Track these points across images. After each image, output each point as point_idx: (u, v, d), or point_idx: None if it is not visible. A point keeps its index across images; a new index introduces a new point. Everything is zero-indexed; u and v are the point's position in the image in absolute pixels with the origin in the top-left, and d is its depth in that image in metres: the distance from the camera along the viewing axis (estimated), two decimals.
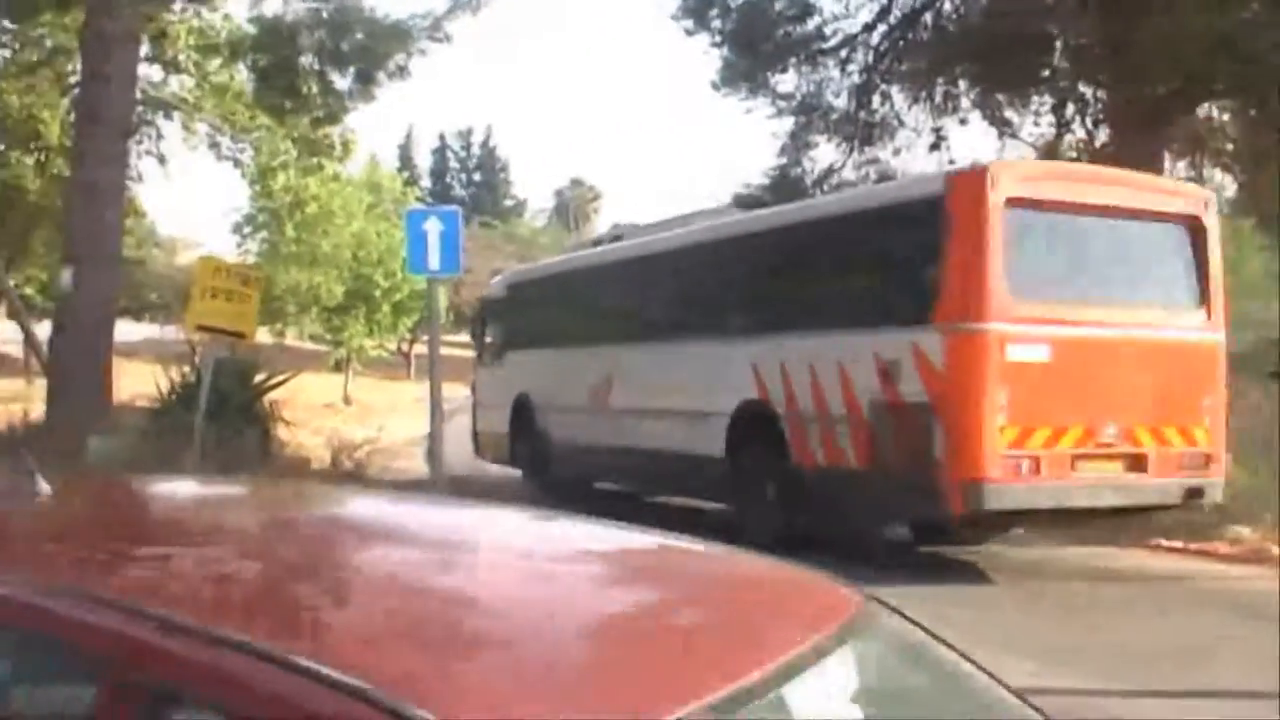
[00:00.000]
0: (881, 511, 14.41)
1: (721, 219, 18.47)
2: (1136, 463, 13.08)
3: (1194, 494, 13.60)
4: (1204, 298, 13.79)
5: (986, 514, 12.94)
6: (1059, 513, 13.45)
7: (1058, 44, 21.12)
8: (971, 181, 13.01)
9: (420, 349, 66.13)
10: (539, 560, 3.38)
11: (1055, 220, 13.18)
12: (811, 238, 15.37)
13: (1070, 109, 21.88)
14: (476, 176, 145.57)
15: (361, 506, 4.42)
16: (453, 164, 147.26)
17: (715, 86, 24.01)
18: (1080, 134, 22.01)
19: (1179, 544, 15.82)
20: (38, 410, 22.32)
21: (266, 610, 2.73)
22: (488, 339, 23.66)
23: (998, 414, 12.36)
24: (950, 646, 2.94)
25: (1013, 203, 12.63)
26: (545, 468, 20.24)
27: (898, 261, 13.84)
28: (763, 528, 14.11)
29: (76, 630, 2.57)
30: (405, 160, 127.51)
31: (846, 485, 13.90)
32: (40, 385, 27.65)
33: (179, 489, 4.79)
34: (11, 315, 33.17)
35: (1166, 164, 20.12)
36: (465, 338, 31.75)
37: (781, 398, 14.81)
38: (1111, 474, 13.03)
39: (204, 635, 2.39)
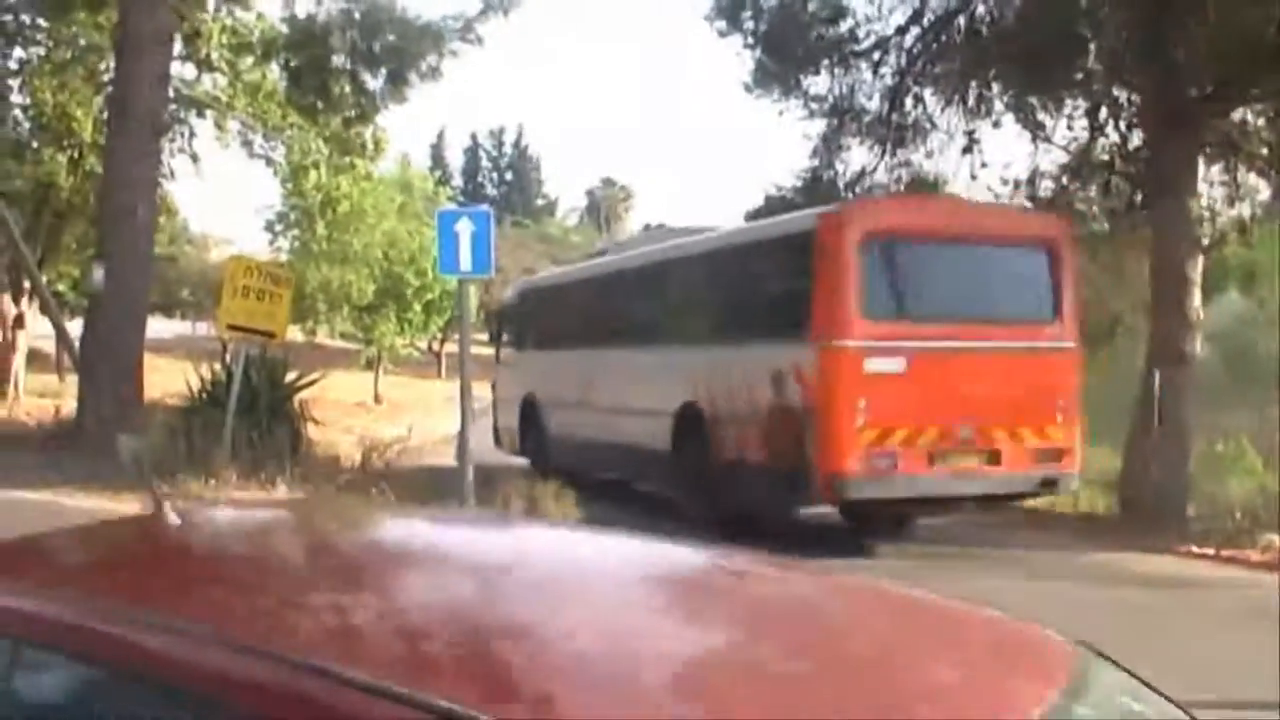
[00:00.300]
0: (775, 500, 16.21)
1: (671, 241, 20.80)
2: (992, 458, 15.21)
3: (1048, 484, 15.94)
4: (1058, 312, 15.90)
5: (860, 501, 15.77)
6: (928, 500, 15.68)
7: (1091, 47, 20.97)
8: (833, 220, 15.69)
9: (451, 348, 66.14)
10: (724, 604, 3.01)
11: (911, 250, 15.51)
12: (726, 262, 17.91)
13: (1104, 112, 21.73)
14: (508, 176, 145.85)
15: (506, 537, 4.07)
16: (485, 163, 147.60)
17: (748, 88, 23.94)
18: (1114, 137, 21.88)
19: (1210, 550, 15.79)
20: (69, 406, 22.41)
21: (439, 663, 2.43)
22: (504, 341, 26.24)
23: (858, 417, 14.64)
24: (1169, 699, 2.76)
25: (868, 238, 15.07)
26: (547, 458, 21.87)
27: (784, 286, 16.30)
28: (698, 512, 16.39)
29: (219, 683, 2.34)
30: (437, 159, 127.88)
31: (751, 476, 15.98)
32: (72, 382, 27.78)
33: (315, 519, 4.39)
34: (44, 311, 33.24)
35: (1200, 167, 20.01)
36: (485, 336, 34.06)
37: (706, 400, 17.09)
38: (968, 467, 15.16)
39: (364, 687, 2.16)
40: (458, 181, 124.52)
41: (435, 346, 66.08)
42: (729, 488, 16.37)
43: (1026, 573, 14.13)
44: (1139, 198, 21.05)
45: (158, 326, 32.56)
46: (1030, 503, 19.00)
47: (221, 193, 79.59)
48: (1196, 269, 19.11)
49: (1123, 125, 21.63)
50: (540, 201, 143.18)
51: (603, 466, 20.50)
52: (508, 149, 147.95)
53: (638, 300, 20.63)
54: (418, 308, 51.37)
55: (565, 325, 23.21)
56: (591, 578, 3.16)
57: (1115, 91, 21.47)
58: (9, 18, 28.76)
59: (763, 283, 16.87)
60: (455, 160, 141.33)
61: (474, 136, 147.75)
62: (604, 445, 20.11)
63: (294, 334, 35.09)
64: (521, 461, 23.08)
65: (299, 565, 3.36)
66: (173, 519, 3.32)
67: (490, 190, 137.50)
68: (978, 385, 15.02)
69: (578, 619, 2.66)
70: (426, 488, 16.64)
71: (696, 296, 18.47)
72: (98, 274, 20.22)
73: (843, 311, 14.82)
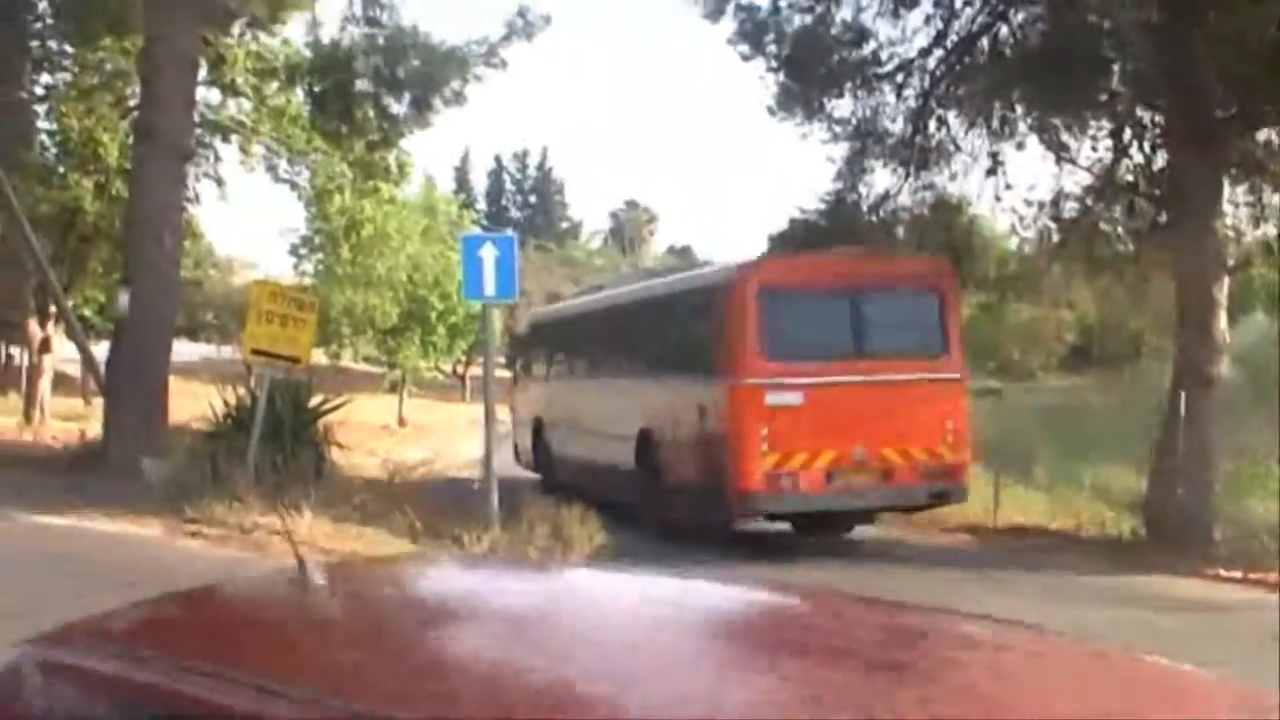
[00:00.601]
0: (706, 514, 18.53)
1: (631, 285, 25.18)
2: (886, 475, 17.59)
3: (939, 496, 18.26)
4: (945, 348, 18.28)
5: (769, 515, 18.68)
6: (830, 514, 18.54)
7: (1115, 68, 20.95)
8: (737, 275, 18.42)
9: (475, 371, 66.27)
10: (870, 657, 2.77)
11: (806, 299, 17.94)
12: (666, 306, 20.99)
13: (1128, 133, 21.68)
14: (532, 199, 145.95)
15: (654, 593, 3.55)
16: (509, 186, 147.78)
17: (771, 111, 23.85)
18: (1138, 158, 21.82)
19: (1237, 573, 15.73)
20: (94, 429, 22.47)
21: None
22: (519, 367, 29.01)
23: (761, 444, 17.06)
24: None
25: (765, 291, 17.56)
26: (554, 475, 24.48)
27: (703, 331, 18.77)
28: (653, 523, 18.80)
29: None
30: (461, 182, 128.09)
31: (687, 493, 18.55)
32: (98, 405, 27.87)
33: (472, 576, 3.98)
34: (70, 335, 33.34)
35: (1225, 188, 19.96)
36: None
37: (656, 427, 19.61)
38: (863, 484, 17.53)
39: None
40: (482, 204, 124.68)
41: (459, 370, 66.14)
42: (673, 503, 18.89)
43: (1050, 595, 14.11)
44: (1163, 218, 20.99)
45: (183, 350, 32.60)
46: (1055, 524, 19.22)
47: (246, 216, 79.93)
48: (1222, 290, 19.05)
49: (1147, 146, 21.58)
50: (564, 224, 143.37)
51: (591, 483, 21.69)
52: (532, 172, 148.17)
53: (610, 336, 23.44)
54: (442, 331, 51.52)
55: (562, 355, 26.30)
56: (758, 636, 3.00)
57: (1139, 112, 21.44)
58: (37, 44, 28.90)
59: (689, 326, 19.54)
60: (479, 183, 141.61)
61: (498, 159, 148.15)
62: (591, 464, 22.40)
63: (318, 357, 35.11)
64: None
65: (465, 631, 3.02)
66: (317, 579, 3.12)
67: (514, 213, 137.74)
68: (870, 413, 17.39)
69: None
70: (451, 510, 16.64)
71: (647, 335, 21.28)
72: (123, 298, 20.26)
73: (745, 354, 17.35)
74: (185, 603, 3.28)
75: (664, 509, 19.03)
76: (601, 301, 25.18)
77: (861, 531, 19.81)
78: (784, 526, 19.64)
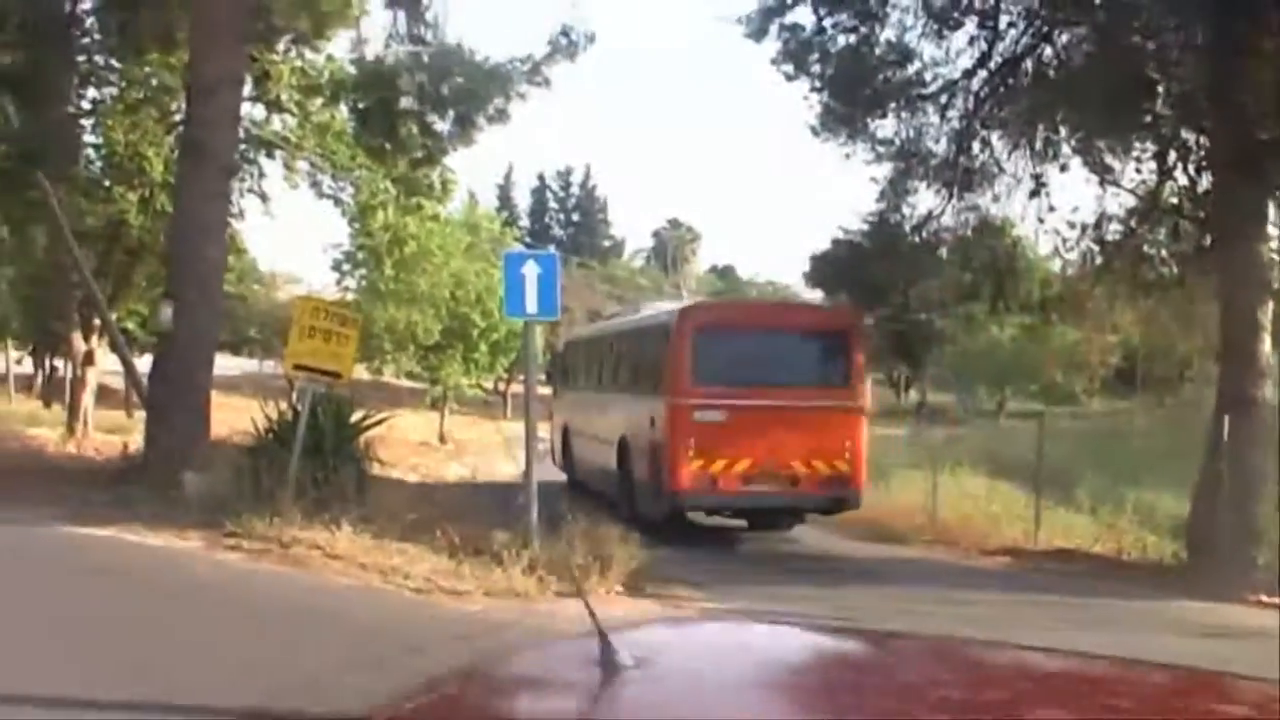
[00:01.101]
0: (656, 509, 21.64)
1: (621, 318, 30.49)
2: (792, 482, 21.01)
3: (837, 501, 21.68)
4: (848, 381, 21.81)
5: (696, 509, 22.17)
6: (775, 511, 22.31)
7: (1160, 90, 20.83)
8: (677, 315, 22.48)
9: (516, 388, 66.30)
10: None
11: (732, 337, 21.47)
12: (635, 336, 25.38)
13: (1172, 155, 21.55)
14: (575, 217, 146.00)
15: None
16: (551, 204, 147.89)
17: (815, 131, 23.84)
18: (1182, 180, 21.71)
19: (1278, 600, 15.63)
20: (136, 442, 22.56)
21: None
22: (557, 381, 32.59)
23: (689, 451, 20.70)
24: None
25: (697, 329, 21.48)
26: (574, 473, 28.91)
27: (655, 358, 22.59)
28: (628, 516, 21.04)
29: None
30: (504, 199, 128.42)
31: (643, 490, 22.29)
32: (140, 418, 27.97)
33: (797, 641, 3.53)
34: (113, 349, 33.48)
35: (1270, 211, 19.83)
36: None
37: (629, 434, 23.28)
38: (774, 489, 21.01)
39: None
40: (525, 222, 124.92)
41: (500, 387, 66.19)
42: (638, 498, 22.51)
43: (1095, 621, 14.01)
44: (1208, 241, 20.89)
45: (225, 364, 32.71)
46: (1098, 549, 19.17)
47: (290, 232, 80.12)
48: (1266, 314, 18.91)
49: (1192, 168, 21.47)
50: (607, 243, 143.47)
51: (594, 481, 26.32)
52: (575, 190, 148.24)
53: (606, 358, 27.44)
54: (483, 348, 51.46)
55: (580, 373, 30.17)
56: None
57: (1184, 134, 21.33)
58: (83, 59, 29.07)
59: (649, 354, 23.32)
60: (522, 200, 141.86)
61: (541, 177, 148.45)
62: (593, 464, 26.48)
63: (360, 372, 35.22)
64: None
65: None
66: (624, 660, 2.60)
67: (557, 231, 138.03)
68: (781, 431, 20.83)
69: None
70: (490, 526, 16.63)
71: (626, 359, 25.49)
72: (166, 312, 20.31)
73: (679, 378, 21.16)
74: (494, 686, 2.96)
75: (633, 504, 22.48)
76: (605, 329, 30.94)
77: (902, 552, 21.60)
78: (740, 523, 23.46)
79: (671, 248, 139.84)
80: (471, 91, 21.82)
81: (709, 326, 21.89)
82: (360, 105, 23.91)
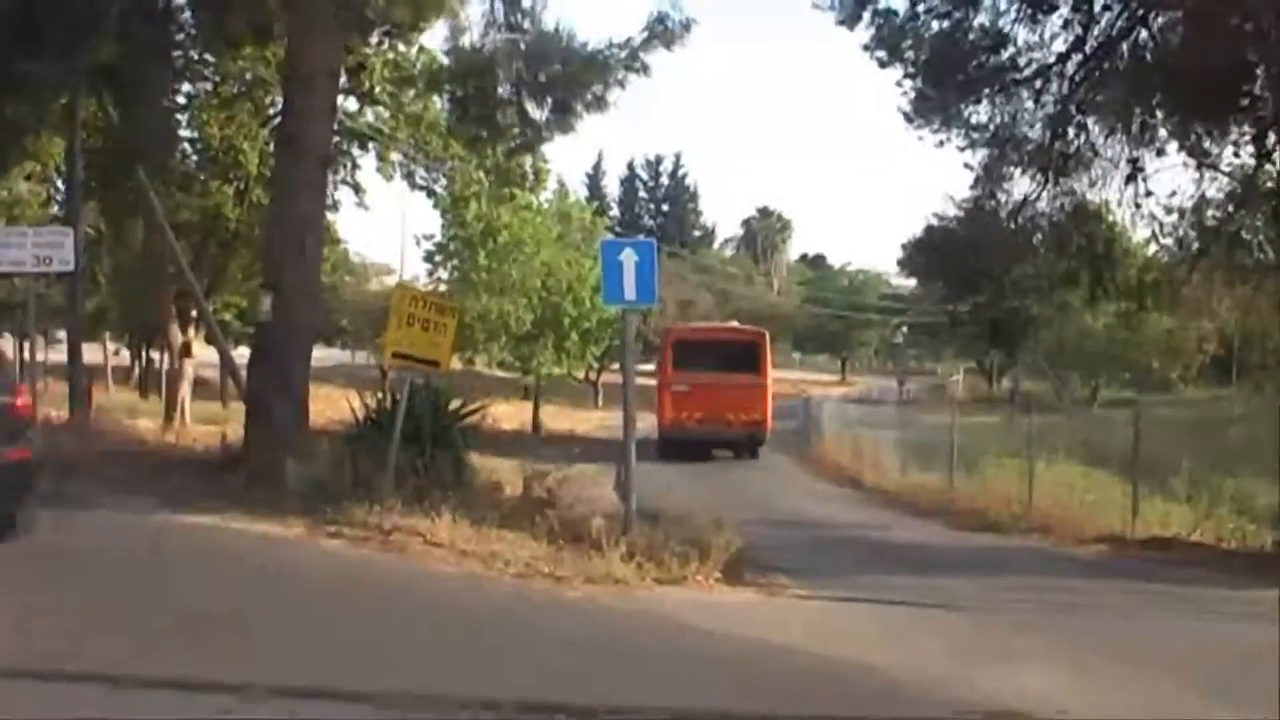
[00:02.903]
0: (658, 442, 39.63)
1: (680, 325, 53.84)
2: (728, 425, 39.17)
3: (754, 438, 40.24)
4: (759, 370, 40.46)
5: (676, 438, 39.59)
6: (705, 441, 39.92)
7: (1258, 72, 20.57)
8: (665, 333, 47.53)
9: (606, 378, 66.51)
10: None
11: (696, 345, 42.20)
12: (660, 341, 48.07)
13: (1271, 138, 21.33)
14: (665, 206, 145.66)
15: None
16: (641, 194, 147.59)
17: (908, 118, 23.69)
18: None
19: None
20: (235, 432, 22.78)
21: None
22: (664, 369, 44.09)
23: (670, 407, 39.68)
24: None
25: (675, 341, 42.18)
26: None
27: (661, 355, 43.91)
28: (661, 454, 37.89)
29: None
30: (594, 188, 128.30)
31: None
32: (235, 408, 28.27)
33: None
34: (210, 340, 33.91)
35: None
36: (651, 366, 51.62)
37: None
38: (716, 429, 39.14)
39: None
40: (615, 211, 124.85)
41: (592, 376, 66.42)
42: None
43: (1196, 609, 13.93)
44: None
45: (318, 355, 33.01)
46: (1195, 536, 18.93)
47: (382, 222, 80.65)
48: None
49: None
50: (697, 232, 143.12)
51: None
52: (665, 179, 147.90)
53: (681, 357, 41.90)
54: (575, 337, 51.65)
55: (671, 364, 42.31)
56: None
57: None
58: (179, 54, 29.40)
59: (660, 354, 44.58)
60: (612, 189, 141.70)
61: (630, 166, 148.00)
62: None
63: (453, 362, 35.53)
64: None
65: None
66: None
67: (647, 220, 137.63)
68: (721, 397, 38.91)
69: None
70: (588, 517, 16.69)
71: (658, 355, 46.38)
72: (266, 303, 20.46)
73: (666, 369, 40.68)
74: None
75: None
76: (683, 333, 47.97)
77: (1005, 541, 21.14)
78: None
79: (762, 237, 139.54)
80: (571, 77, 21.68)
81: (682, 338, 43.36)
82: (457, 94, 23.92)
